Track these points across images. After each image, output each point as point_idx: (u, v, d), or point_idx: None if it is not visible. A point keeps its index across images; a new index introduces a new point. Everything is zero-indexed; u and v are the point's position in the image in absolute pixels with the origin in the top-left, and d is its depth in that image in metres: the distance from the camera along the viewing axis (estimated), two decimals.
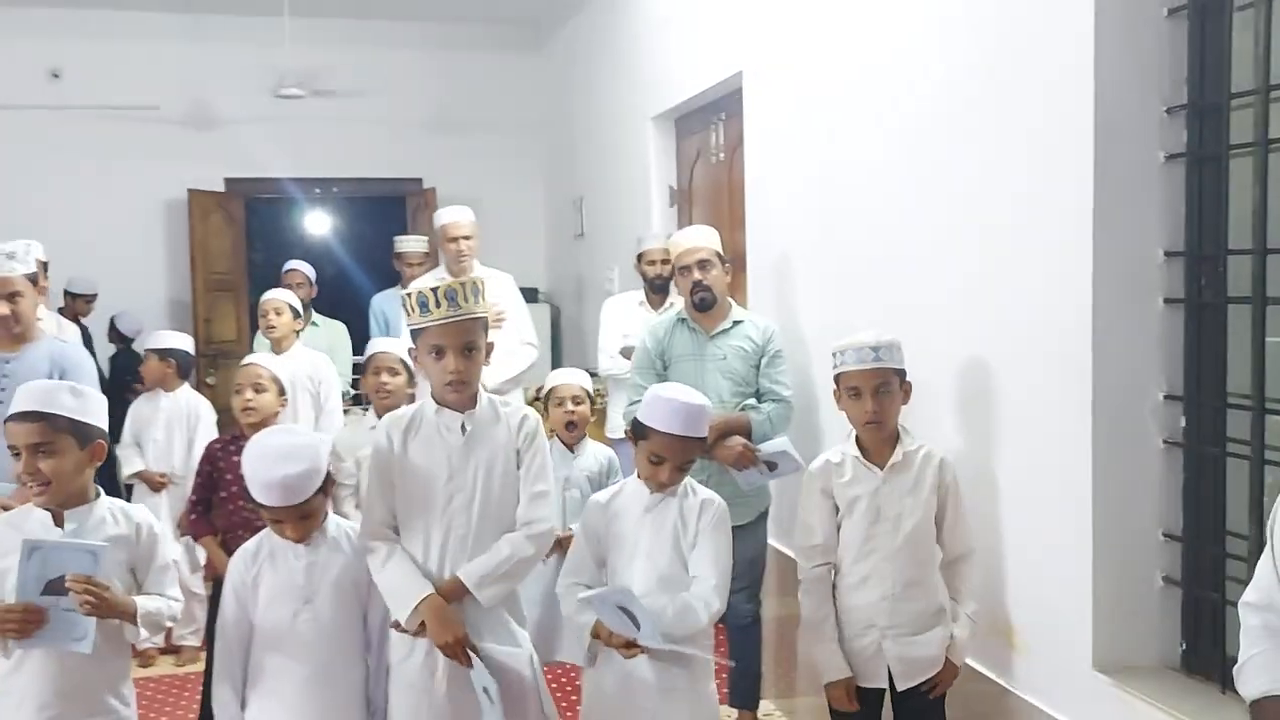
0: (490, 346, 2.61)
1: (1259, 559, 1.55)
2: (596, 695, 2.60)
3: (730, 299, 3.65)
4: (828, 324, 3.61)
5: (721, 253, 3.63)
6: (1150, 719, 2.22)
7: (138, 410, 4.75)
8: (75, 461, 2.31)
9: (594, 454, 3.59)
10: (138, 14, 7.13)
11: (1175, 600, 2.40)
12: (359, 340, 5.08)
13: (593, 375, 5.35)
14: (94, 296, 6.64)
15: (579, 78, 6.81)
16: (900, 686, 2.60)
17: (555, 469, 2.95)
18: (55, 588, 2.18)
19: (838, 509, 2.66)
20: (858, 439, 2.67)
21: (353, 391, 5.88)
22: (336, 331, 5.70)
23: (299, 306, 4.83)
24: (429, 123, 7.61)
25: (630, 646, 2.44)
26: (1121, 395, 2.35)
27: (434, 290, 2.46)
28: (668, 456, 2.51)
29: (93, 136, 7.12)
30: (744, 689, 3.71)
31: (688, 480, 2.61)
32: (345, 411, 4.96)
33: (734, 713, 3.73)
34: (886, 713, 2.69)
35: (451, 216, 4.78)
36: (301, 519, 2.43)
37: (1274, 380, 2.18)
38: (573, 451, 3.52)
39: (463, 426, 2.53)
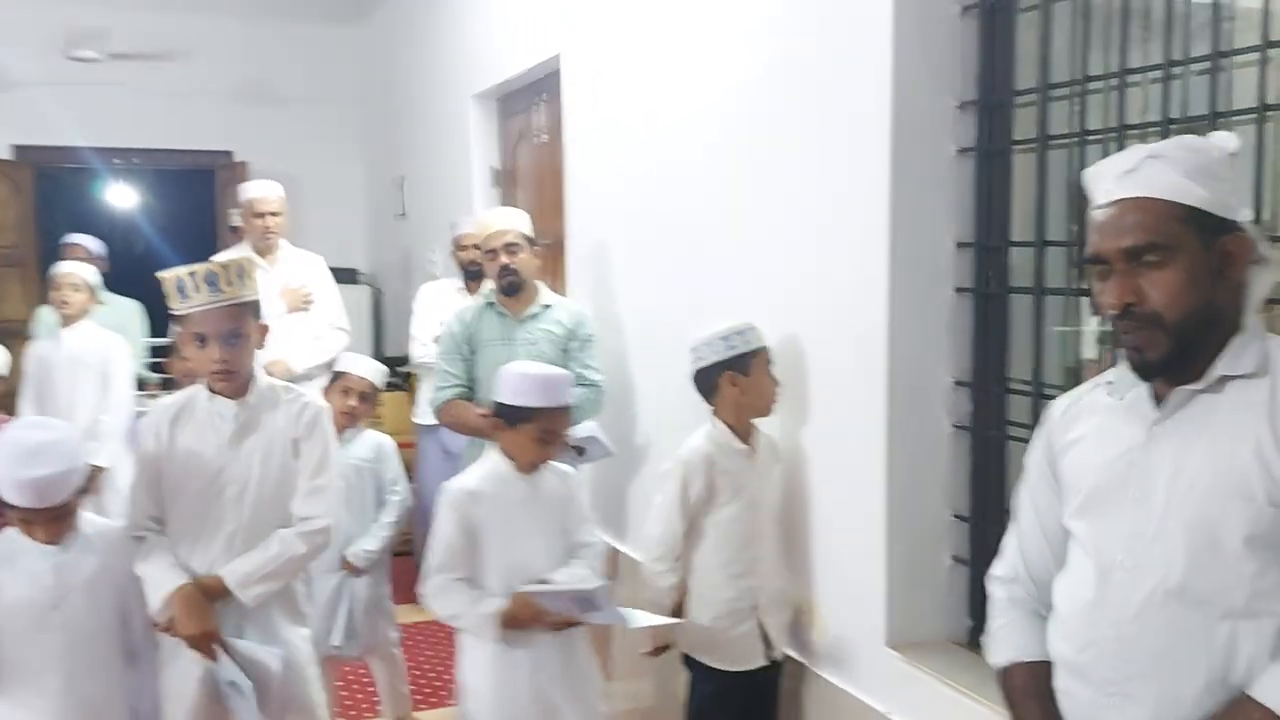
0: (264, 329, 2.45)
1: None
2: (504, 684, 2.47)
3: (539, 282, 3.59)
4: (644, 309, 3.61)
5: (530, 235, 3.57)
6: (936, 693, 2.30)
7: None
8: None
9: (365, 441, 3.49)
10: None
11: (963, 578, 2.50)
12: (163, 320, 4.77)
13: (403, 361, 5.24)
14: None
15: (401, 51, 6.60)
16: (779, 655, 2.66)
17: None
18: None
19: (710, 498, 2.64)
20: (730, 424, 2.64)
21: (155, 375, 5.58)
22: (126, 311, 5.34)
23: (97, 282, 4.51)
24: (240, 93, 7.22)
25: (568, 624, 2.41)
26: (914, 380, 2.43)
27: (191, 274, 2.30)
28: (559, 429, 2.48)
29: None
30: None
31: None
32: (152, 396, 4.69)
33: None
34: None
35: (259, 191, 4.53)
36: (54, 520, 2.23)
37: (1050, 367, 2.29)
38: (340, 437, 3.39)
39: (235, 415, 2.40)
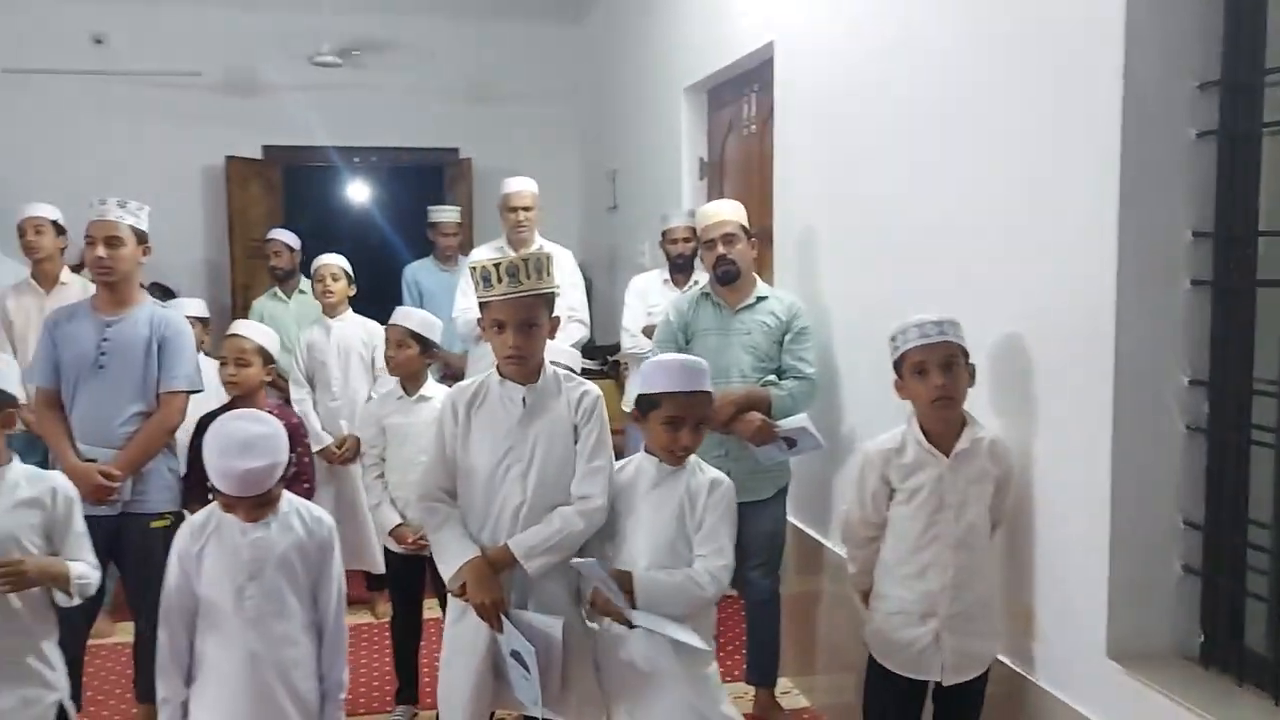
0: (556, 321, 2.64)
1: None
2: (602, 661, 2.61)
3: (755, 274, 3.62)
4: (851, 299, 3.57)
5: (747, 226, 3.60)
6: (1163, 710, 2.17)
7: None
8: None
9: None
10: None
11: (1194, 589, 2.34)
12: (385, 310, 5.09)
13: (613, 350, 5.37)
14: None
15: (615, 48, 6.76)
16: (949, 681, 2.55)
17: None
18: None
19: (892, 493, 2.60)
20: (921, 423, 2.58)
21: None
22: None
23: (351, 272, 4.84)
24: (466, 92, 7.60)
25: (619, 618, 2.45)
26: (1144, 379, 2.30)
27: (496, 266, 2.49)
28: (684, 415, 2.51)
29: (134, 102, 7.18)
30: (762, 665, 3.70)
31: (695, 459, 2.60)
32: None
33: (750, 689, 3.73)
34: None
35: (515, 186, 4.84)
36: (256, 506, 2.40)
37: None
38: None
39: (523, 400, 2.57)
